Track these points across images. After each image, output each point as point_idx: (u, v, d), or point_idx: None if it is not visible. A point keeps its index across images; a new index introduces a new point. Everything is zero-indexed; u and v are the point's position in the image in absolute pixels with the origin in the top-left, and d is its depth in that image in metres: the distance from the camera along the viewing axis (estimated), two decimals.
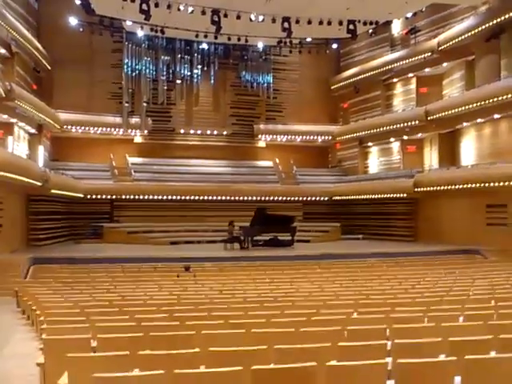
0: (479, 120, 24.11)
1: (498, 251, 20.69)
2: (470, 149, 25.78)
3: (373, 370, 4.18)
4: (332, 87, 33.66)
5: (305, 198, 30.54)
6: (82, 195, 26.20)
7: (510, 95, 21.19)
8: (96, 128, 29.24)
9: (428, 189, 24.84)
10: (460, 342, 5.27)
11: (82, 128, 28.91)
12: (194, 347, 5.07)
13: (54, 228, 24.67)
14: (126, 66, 29.69)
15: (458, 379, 4.38)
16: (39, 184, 20.77)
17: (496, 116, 23.04)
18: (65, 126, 28.25)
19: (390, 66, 29.21)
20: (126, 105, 29.58)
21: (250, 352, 4.91)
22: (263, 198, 28.87)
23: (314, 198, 30.58)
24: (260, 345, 5.08)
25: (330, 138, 33.13)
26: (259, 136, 32.79)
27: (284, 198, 29.86)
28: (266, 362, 4.36)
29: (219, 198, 28.82)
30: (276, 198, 29.50)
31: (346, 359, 4.45)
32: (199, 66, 31.14)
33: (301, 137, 33.01)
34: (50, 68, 28.19)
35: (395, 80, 30.20)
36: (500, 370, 4.34)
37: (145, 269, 16.80)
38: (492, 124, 24.05)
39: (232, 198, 29.00)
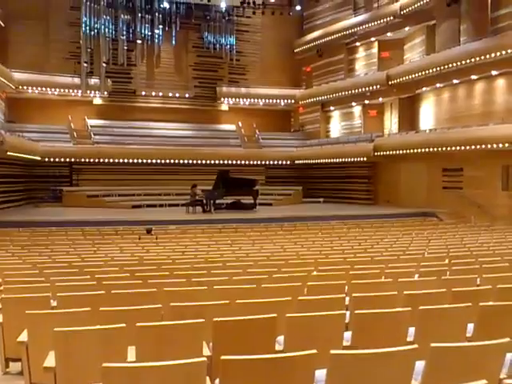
0: (438, 85, 24.47)
1: (453, 214, 21.37)
2: (428, 113, 26.22)
3: (331, 321, 4.31)
4: (295, 50, 33.42)
5: (267, 162, 30.65)
6: (39, 158, 25.55)
7: (468, 60, 21.54)
8: (53, 89, 28.32)
9: (387, 153, 25.24)
10: (415, 295, 5.47)
11: (39, 89, 27.94)
12: (157, 304, 5.10)
13: (12, 191, 24.09)
14: (84, 25, 28.62)
15: (412, 330, 4.56)
16: None
17: (455, 81, 23.41)
18: (20, 87, 27.27)
19: (353, 30, 29.13)
20: (85, 65, 28.67)
21: (212, 306, 4.98)
22: (226, 162, 28.82)
23: (276, 162, 30.73)
24: (222, 300, 5.16)
25: (293, 101, 33.06)
26: (222, 99, 32.47)
27: (246, 162, 29.90)
28: (227, 316, 4.43)
29: (181, 161, 28.58)
30: (238, 162, 29.49)
31: (306, 312, 4.56)
32: (160, 26, 30.37)
33: (263, 100, 32.82)
34: (3, 25, 26.98)
35: (358, 44, 30.19)
36: (451, 320, 4.54)
37: (105, 232, 16.62)
38: (450, 89, 24.44)
39: (194, 162, 28.82)
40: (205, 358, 3.01)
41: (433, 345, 3.26)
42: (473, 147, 20.50)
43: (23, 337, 4.65)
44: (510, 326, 4.36)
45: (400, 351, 3.22)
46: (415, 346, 3.29)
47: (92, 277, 7.35)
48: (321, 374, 3.30)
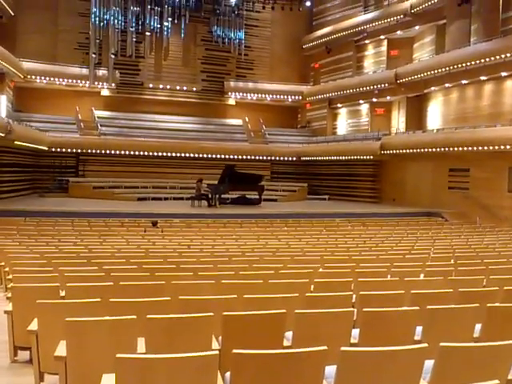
0: (447, 85, 24.38)
1: (459, 214, 21.35)
2: (436, 113, 26.15)
3: (339, 318, 4.33)
4: (304, 46, 33.36)
5: (273, 158, 30.66)
6: (46, 148, 25.62)
7: (477, 61, 21.45)
8: (61, 79, 28.36)
9: (394, 152, 25.20)
10: (422, 294, 5.49)
11: (47, 78, 28.00)
12: (165, 296, 5.13)
13: (18, 181, 24.18)
14: (93, 16, 28.62)
15: (419, 329, 4.58)
16: (2, 135, 20.17)
17: (463, 81, 23.32)
18: (28, 76, 27.31)
19: (362, 27, 29.05)
20: (93, 56, 28.70)
21: (220, 300, 5.01)
22: (231, 157, 28.84)
23: (282, 158, 30.73)
24: (230, 295, 5.19)
25: (300, 98, 33.01)
26: (229, 93, 32.44)
27: (252, 157, 29.91)
28: (235, 310, 4.46)
29: (187, 155, 28.62)
30: (244, 157, 29.51)
31: (313, 308, 4.59)
32: (169, 19, 30.32)
33: (271, 96, 32.78)
34: (13, 14, 27.00)
35: (367, 41, 30.11)
36: (459, 320, 4.56)
37: (111, 223, 16.69)
38: (459, 89, 24.36)
39: (200, 156, 28.85)
40: (217, 352, 3.04)
41: (442, 344, 3.28)
42: (480, 148, 20.45)
43: (33, 326, 4.68)
44: None
45: (410, 350, 3.24)
46: (425, 344, 3.31)
47: (100, 268, 7.39)
48: (330, 370, 3.33)
